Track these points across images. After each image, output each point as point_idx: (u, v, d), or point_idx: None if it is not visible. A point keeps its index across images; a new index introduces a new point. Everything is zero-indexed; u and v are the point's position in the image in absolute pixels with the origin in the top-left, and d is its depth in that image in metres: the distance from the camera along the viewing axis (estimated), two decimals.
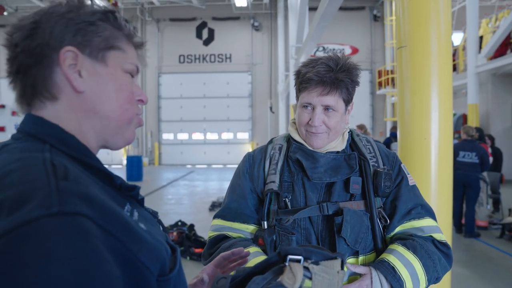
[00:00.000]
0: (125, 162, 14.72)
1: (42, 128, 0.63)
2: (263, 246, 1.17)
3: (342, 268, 0.78)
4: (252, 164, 1.27)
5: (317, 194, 1.16)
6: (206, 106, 18.90)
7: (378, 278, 1.04)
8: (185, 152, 19.04)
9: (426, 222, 1.18)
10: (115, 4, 14.87)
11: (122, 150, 17.14)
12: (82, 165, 0.62)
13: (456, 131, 11.26)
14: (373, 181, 1.15)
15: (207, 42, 18.76)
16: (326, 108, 1.15)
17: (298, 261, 0.72)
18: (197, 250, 4.82)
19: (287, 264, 0.71)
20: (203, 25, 18.73)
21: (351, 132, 1.27)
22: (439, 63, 2.33)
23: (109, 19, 0.68)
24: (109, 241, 0.50)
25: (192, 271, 4.35)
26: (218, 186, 11.58)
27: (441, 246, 1.16)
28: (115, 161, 18.22)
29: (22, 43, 0.63)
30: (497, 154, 7.55)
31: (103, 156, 17.57)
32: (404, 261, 1.07)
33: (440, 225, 1.91)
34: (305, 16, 8.97)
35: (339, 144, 1.21)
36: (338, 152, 1.20)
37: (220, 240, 1.23)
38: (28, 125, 0.64)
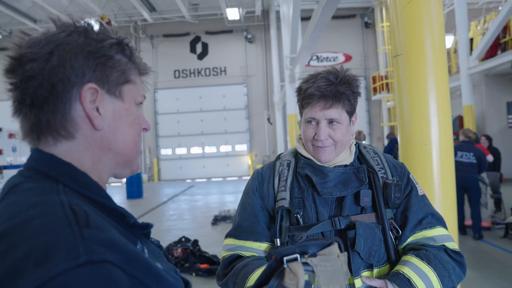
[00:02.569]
0: (124, 179, 14.69)
1: (54, 166, 0.61)
2: None
3: (341, 251, 0.78)
4: (261, 182, 1.27)
5: (328, 208, 1.17)
6: (203, 120, 18.94)
7: None
8: (184, 166, 19.01)
9: (438, 231, 1.18)
10: (109, 23, 15.04)
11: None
12: (94, 204, 0.60)
13: (454, 132, 11.32)
14: (383, 193, 1.16)
15: (201, 56, 18.90)
16: (330, 121, 1.16)
17: (296, 259, 0.71)
18: (203, 266, 4.79)
19: (285, 266, 0.69)
20: (196, 39, 18.88)
21: (357, 145, 1.28)
22: (435, 69, 2.37)
23: (125, 50, 0.67)
24: (134, 286, 0.50)
25: (198, 287, 4.31)
26: (219, 199, 11.54)
27: (454, 255, 1.16)
28: (114, 179, 18.09)
29: (39, 76, 0.59)
30: (496, 154, 7.59)
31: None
32: (419, 273, 1.07)
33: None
34: (298, 26, 9.07)
35: (347, 157, 1.22)
36: (346, 165, 1.21)
37: (234, 260, 1.22)
38: (38, 163, 0.62)
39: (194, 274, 4.70)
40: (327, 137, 1.16)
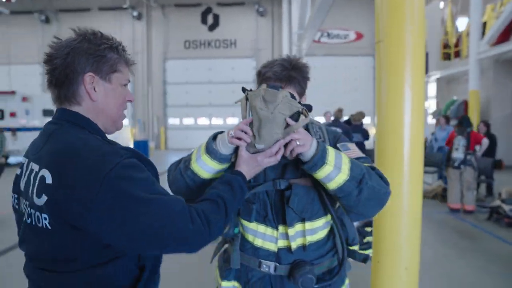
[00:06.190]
0: (132, 146, 15.08)
1: (79, 118, 1.03)
2: None
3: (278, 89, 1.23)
4: None
5: (275, 171, 1.38)
6: (211, 92, 19.09)
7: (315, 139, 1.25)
8: (190, 136, 19.33)
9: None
10: None
11: (129, 134, 17.56)
12: None
13: (456, 117, 11.32)
14: None
15: (212, 28, 18.83)
16: None
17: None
18: None
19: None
20: (208, 10, 18.77)
21: None
22: (413, 57, 2.49)
23: (115, 50, 1.06)
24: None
25: None
26: None
27: (377, 171, 1.31)
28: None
29: (60, 67, 1.01)
30: (492, 140, 7.69)
31: (112, 139, 18.29)
32: (336, 153, 1.26)
33: (411, 212, 2.16)
34: (307, 1, 9.03)
35: None
36: None
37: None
38: (68, 116, 1.03)
39: None
40: None
